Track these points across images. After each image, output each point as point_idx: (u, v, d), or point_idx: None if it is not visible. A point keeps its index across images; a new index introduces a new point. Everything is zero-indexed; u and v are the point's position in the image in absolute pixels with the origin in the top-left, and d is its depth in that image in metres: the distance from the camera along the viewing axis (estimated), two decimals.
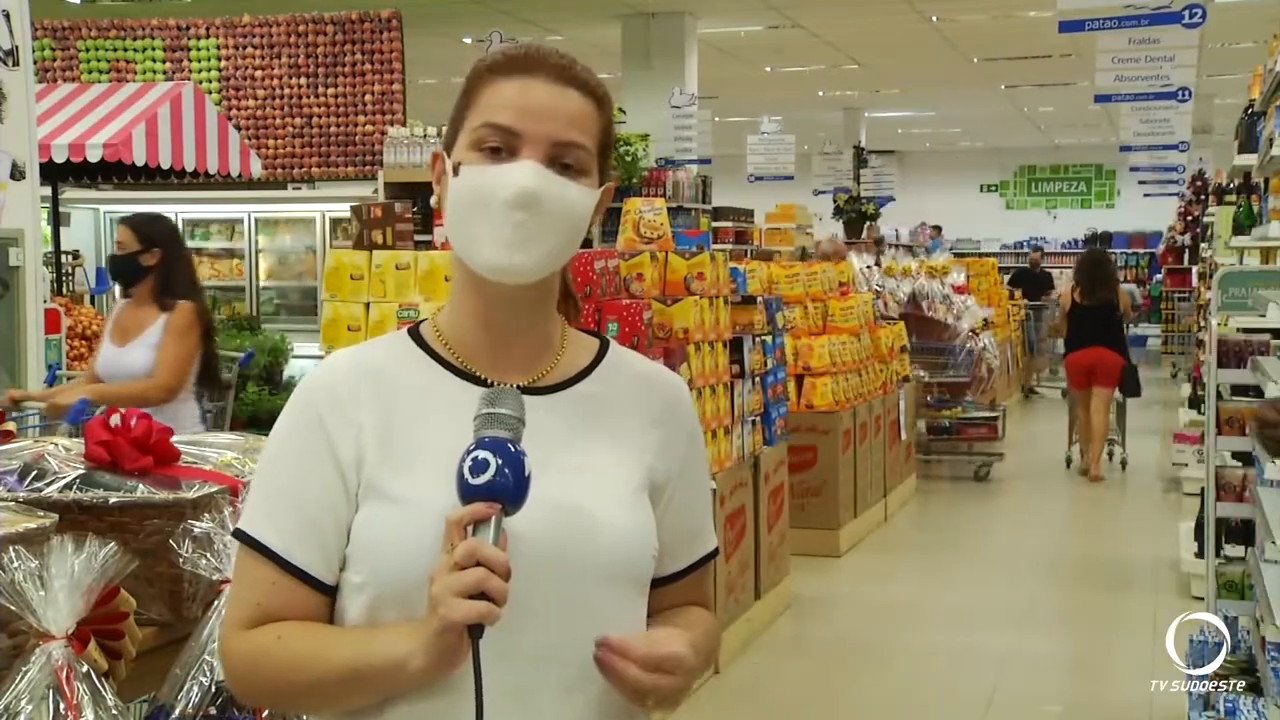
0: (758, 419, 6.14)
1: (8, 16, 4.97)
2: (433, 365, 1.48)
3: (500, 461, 1.30)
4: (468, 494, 1.30)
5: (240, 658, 1.42)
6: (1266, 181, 6.70)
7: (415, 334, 1.51)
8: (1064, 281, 13.61)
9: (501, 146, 1.40)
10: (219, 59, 11.34)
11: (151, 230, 4.69)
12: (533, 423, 1.37)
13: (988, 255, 22.10)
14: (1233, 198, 10.11)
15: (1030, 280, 17.31)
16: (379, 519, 1.40)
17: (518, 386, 1.44)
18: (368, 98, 11.06)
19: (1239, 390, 5.06)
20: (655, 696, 1.40)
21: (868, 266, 10.29)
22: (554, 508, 1.38)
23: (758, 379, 6.14)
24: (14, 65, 5.00)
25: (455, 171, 1.43)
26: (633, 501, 1.46)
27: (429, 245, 6.36)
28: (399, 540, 1.37)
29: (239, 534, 1.44)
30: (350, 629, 1.41)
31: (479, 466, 1.29)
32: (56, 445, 2.24)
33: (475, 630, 1.27)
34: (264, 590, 1.41)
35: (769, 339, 6.39)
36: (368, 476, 1.41)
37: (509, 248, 1.39)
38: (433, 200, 1.52)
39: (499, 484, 1.29)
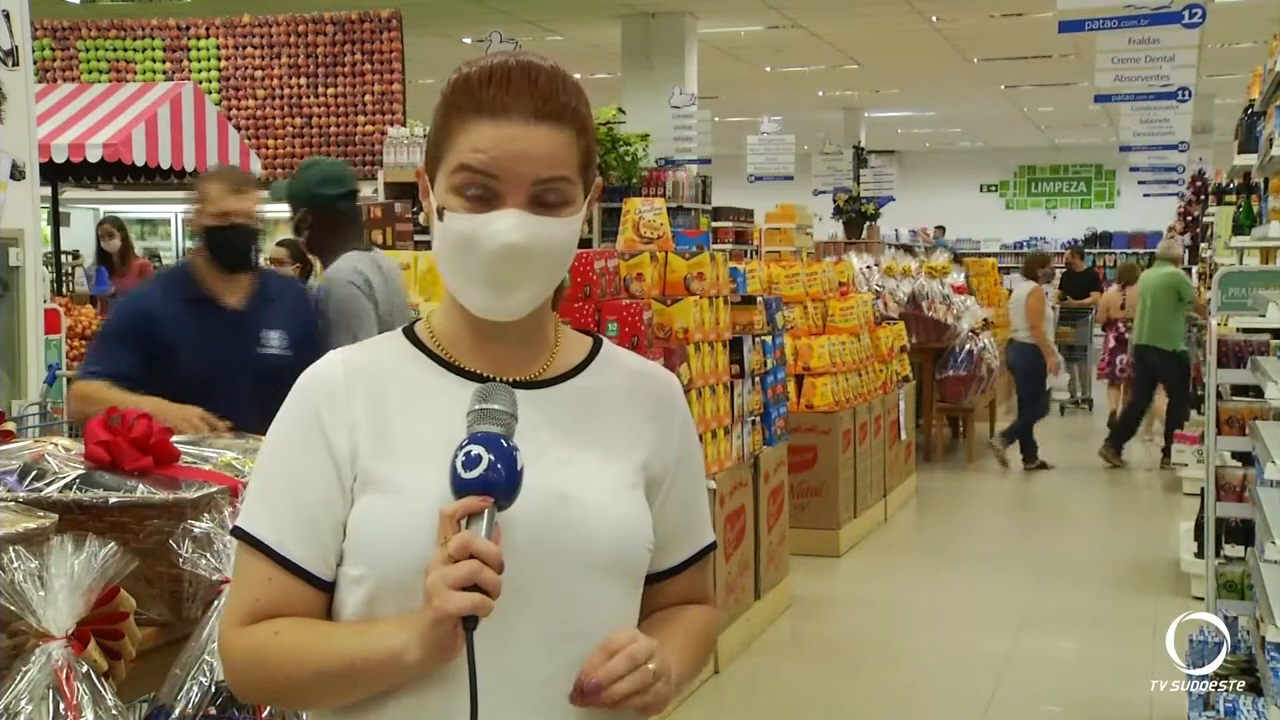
0: (758, 419, 6.14)
1: (8, 16, 4.97)
2: (428, 363, 1.50)
3: (493, 456, 1.32)
4: (461, 488, 1.32)
5: (238, 654, 1.43)
6: (1266, 181, 6.70)
7: (410, 334, 1.53)
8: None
9: (482, 193, 1.41)
10: (219, 59, 11.34)
11: None
12: (526, 417, 1.39)
13: (988, 255, 22.11)
14: (1232, 198, 10.10)
15: (1070, 281, 16.09)
16: (376, 512, 1.41)
17: (511, 382, 1.45)
18: (368, 98, 11.07)
19: (1239, 390, 5.06)
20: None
21: (868, 266, 10.30)
22: (547, 501, 1.40)
23: (758, 379, 6.14)
24: (14, 65, 4.99)
25: (440, 215, 1.44)
26: (626, 494, 1.47)
27: (429, 245, 6.35)
28: (396, 533, 1.39)
29: (236, 531, 1.46)
30: (346, 623, 1.42)
31: (472, 461, 1.32)
32: (56, 445, 2.24)
33: (469, 622, 1.29)
34: (261, 586, 1.43)
35: (769, 339, 6.39)
36: (363, 470, 1.42)
37: (494, 295, 1.42)
38: (421, 218, 1.53)
39: (491, 478, 1.31)
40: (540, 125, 1.41)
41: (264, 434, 1.50)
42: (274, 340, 3.73)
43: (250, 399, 3.42)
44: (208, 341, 3.60)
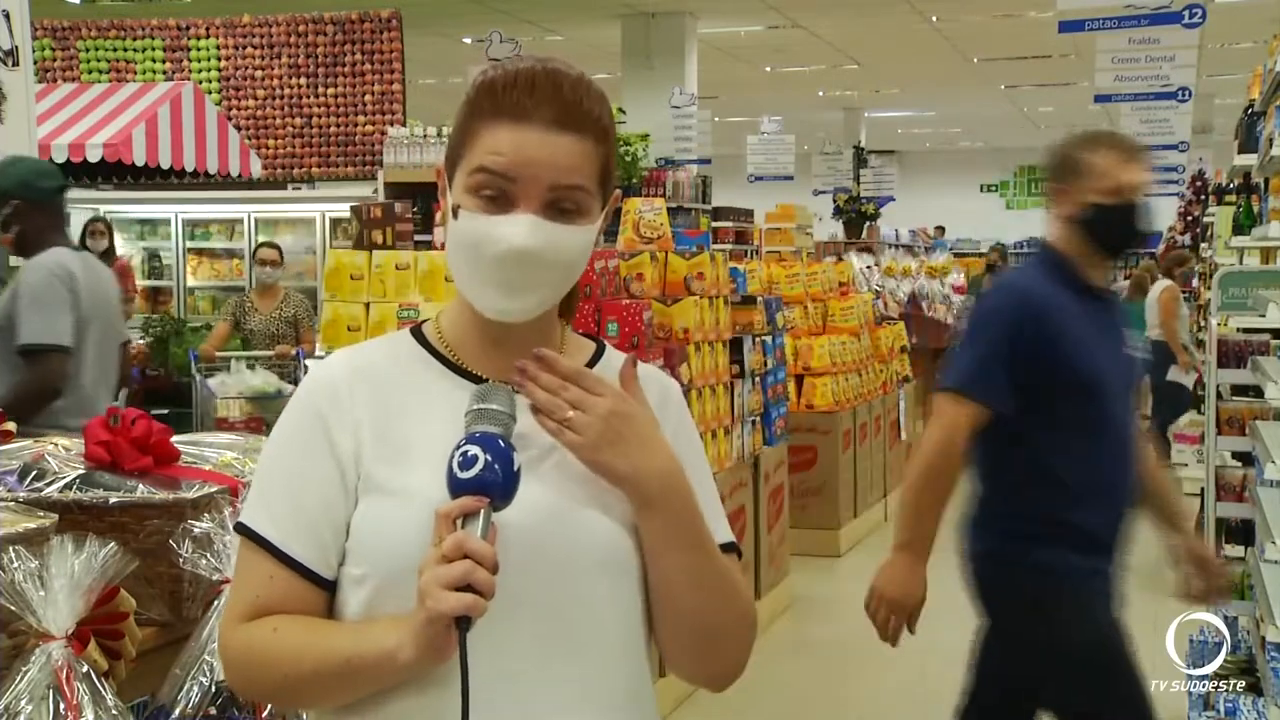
0: (758, 419, 6.13)
1: (8, 16, 4.98)
2: (432, 364, 1.50)
3: (489, 456, 1.31)
4: (456, 488, 1.31)
5: (236, 650, 1.44)
6: (1266, 181, 6.70)
7: (418, 333, 1.54)
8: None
9: (498, 195, 1.41)
10: (219, 59, 11.35)
11: None
12: (526, 420, 1.39)
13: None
14: (1233, 198, 10.11)
15: None
16: (378, 512, 1.41)
17: (513, 386, 1.45)
18: (368, 98, 11.07)
19: (1239, 390, 5.06)
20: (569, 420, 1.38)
21: (868, 266, 10.30)
22: (544, 502, 1.40)
23: (758, 379, 6.14)
24: (14, 65, 5.00)
25: (454, 214, 1.44)
26: (623, 496, 1.46)
27: (429, 245, 6.36)
28: (397, 533, 1.39)
29: (239, 527, 1.46)
30: (345, 622, 1.42)
31: (468, 461, 1.31)
32: (56, 445, 2.24)
33: (463, 622, 1.28)
34: (262, 583, 1.43)
35: (769, 339, 6.39)
36: (366, 471, 1.42)
37: (503, 296, 1.42)
38: (438, 216, 1.53)
39: (487, 478, 1.31)
40: (561, 133, 1.41)
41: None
42: (1134, 337, 3.32)
43: (1123, 403, 3.13)
44: (1103, 339, 3.09)
